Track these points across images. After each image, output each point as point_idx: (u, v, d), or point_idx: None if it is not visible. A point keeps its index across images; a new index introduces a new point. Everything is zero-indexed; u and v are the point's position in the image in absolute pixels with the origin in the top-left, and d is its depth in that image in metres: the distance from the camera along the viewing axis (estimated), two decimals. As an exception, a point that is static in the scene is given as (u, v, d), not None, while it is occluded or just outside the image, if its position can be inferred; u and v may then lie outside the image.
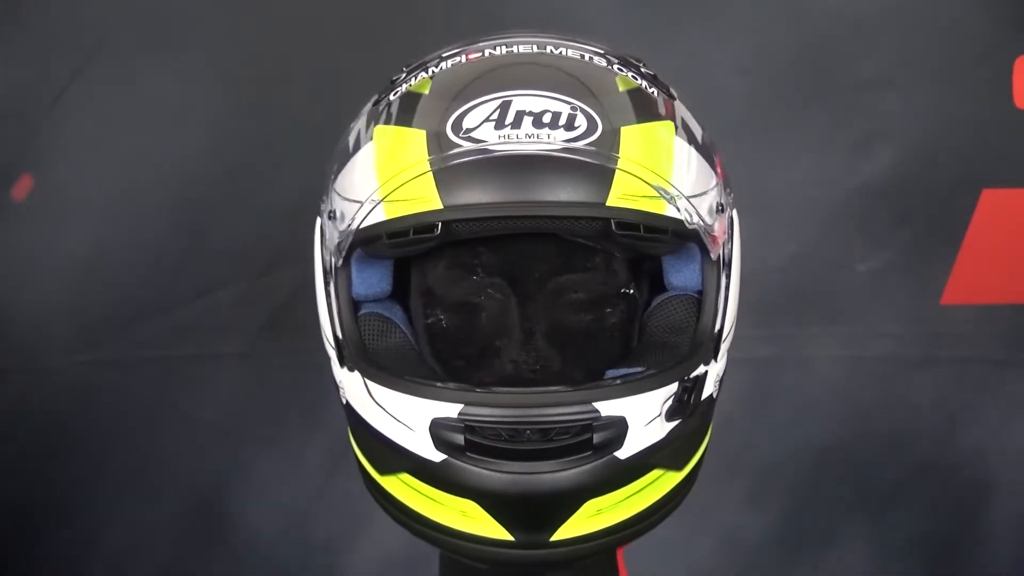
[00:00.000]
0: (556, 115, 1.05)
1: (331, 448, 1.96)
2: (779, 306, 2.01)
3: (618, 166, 1.04)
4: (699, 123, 1.17)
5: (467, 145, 1.03)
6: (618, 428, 1.04)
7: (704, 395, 1.10)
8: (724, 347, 1.14)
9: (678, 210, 1.06)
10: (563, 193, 1.02)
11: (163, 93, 1.85)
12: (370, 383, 1.08)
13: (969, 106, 1.97)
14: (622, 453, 1.05)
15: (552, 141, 1.03)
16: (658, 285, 1.20)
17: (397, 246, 1.06)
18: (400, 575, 2.05)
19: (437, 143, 1.05)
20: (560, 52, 1.13)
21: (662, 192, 1.06)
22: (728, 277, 1.13)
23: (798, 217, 1.99)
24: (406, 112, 1.09)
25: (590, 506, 1.06)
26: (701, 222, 1.08)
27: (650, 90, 1.13)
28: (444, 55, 1.13)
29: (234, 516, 2.02)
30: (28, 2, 1.83)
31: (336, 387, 1.17)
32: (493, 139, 1.03)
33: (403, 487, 1.11)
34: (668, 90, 1.16)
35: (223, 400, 1.98)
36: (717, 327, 1.12)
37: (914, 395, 2.07)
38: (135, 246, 1.90)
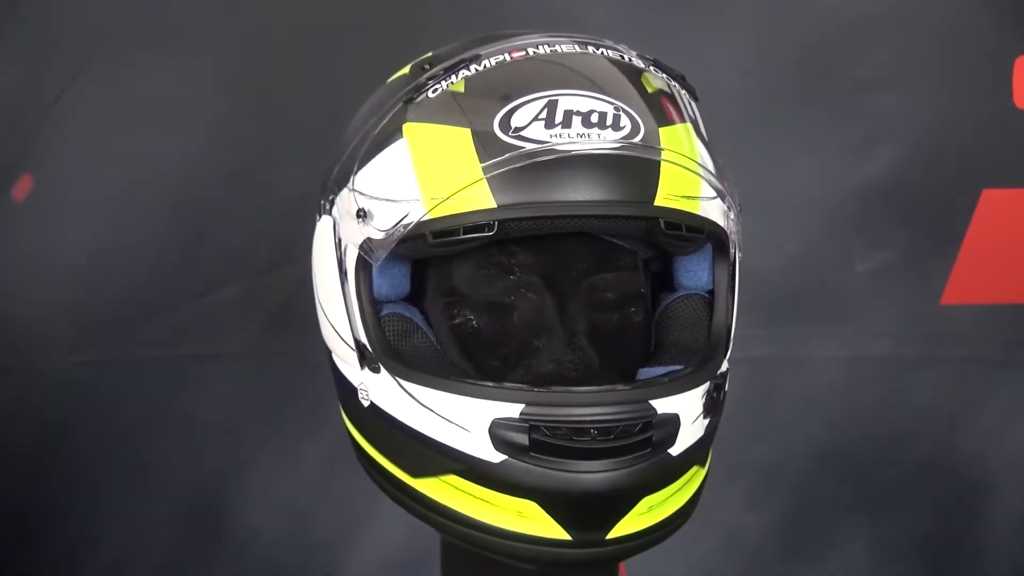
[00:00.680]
0: (603, 115, 1.05)
1: (331, 448, 1.96)
2: (779, 306, 2.01)
3: (685, 167, 1.07)
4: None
5: (529, 145, 1.03)
6: (672, 426, 1.06)
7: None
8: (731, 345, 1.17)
9: (728, 208, 1.10)
10: (619, 192, 1.04)
11: (163, 93, 1.85)
12: (409, 384, 1.07)
13: (969, 106, 1.97)
14: (674, 450, 1.07)
15: (603, 140, 1.04)
16: (661, 285, 1.22)
17: (442, 245, 1.05)
18: (400, 575, 2.05)
19: (486, 142, 1.04)
20: (600, 52, 1.12)
21: (719, 191, 1.10)
22: (736, 276, 1.16)
23: (798, 217, 1.99)
24: (442, 110, 1.07)
25: (643, 503, 1.07)
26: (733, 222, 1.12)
27: (681, 91, 1.15)
28: (482, 53, 1.10)
29: (234, 516, 2.01)
30: (28, 2, 1.83)
31: (347, 389, 1.14)
32: (545, 138, 1.03)
33: (446, 489, 1.09)
34: (694, 92, 1.17)
35: (223, 400, 1.98)
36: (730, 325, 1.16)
37: (914, 395, 2.07)
38: (135, 246, 1.90)
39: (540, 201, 1.03)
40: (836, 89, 1.96)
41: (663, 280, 1.23)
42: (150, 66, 1.85)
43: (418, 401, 1.07)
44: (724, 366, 1.13)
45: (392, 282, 1.13)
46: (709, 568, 2.11)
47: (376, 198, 1.07)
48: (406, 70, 1.17)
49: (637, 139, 1.05)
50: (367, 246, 1.07)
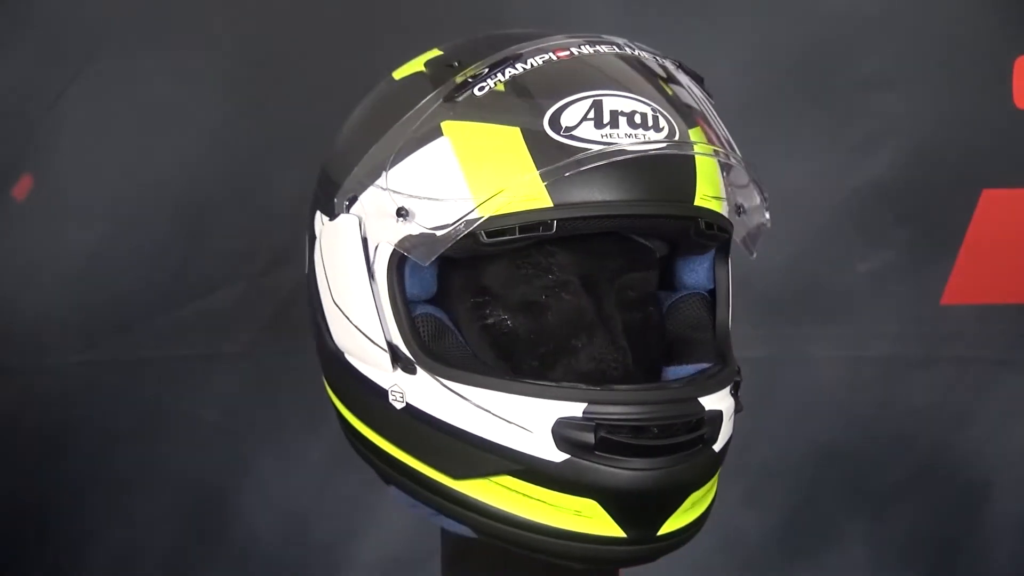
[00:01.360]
0: (644, 115, 1.06)
1: (331, 448, 1.96)
2: (779, 306, 2.02)
3: (738, 164, 1.11)
4: None
5: (583, 144, 1.03)
6: (718, 422, 1.09)
7: None
8: None
9: (766, 210, 1.14)
10: (668, 192, 1.07)
11: (163, 93, 1.85)
12: (458, 385, 1.06)
13: (969, 106, 1.97)
14: (716, 446, 1.09)
15: (649, 140, 1.05)
16: (660, 284, 1.24)
17: (494, 244, 1.05)
18: (400, 575, 2.05)
19: (538, 141, 1.04)
20: (635, 53, 1.13)
21: (760, 192, 1.14)
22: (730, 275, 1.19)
23: (798, 217, 1.99)
24: (485, 109, 1.06)
25: (689, 500, 1.09)
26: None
27: (705, 95, 1.16)
28: (522, 52, 1.09)
29: (234, 516, 2.01)
30: (28, 2, 1.83)
31: (371, 392, 1.12)
32: (596, 138, 1.04)
33: (496, 490, 1.08)
34: (711, 95, 1.18)
35: (223, 400, 1.98)
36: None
37: (914, 395, 2.07)
38: (135, 246, 1.90)
39: (598, 200, 1.04)
40: (836, 89, 1.96)
41: (661, 279, 1.24)
42: (150, 66, 1.85)
43: (470, 402, 1.06)
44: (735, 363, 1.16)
45: (423, 282, 1.12)
46: (709, 568, 2.10)
47: (417, 196, 1.06)
48: (419, 67, 1.16)
49: (676, 139, 1.07)
50: (409, 244, 1.06)
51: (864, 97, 1.96)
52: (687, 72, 1.15)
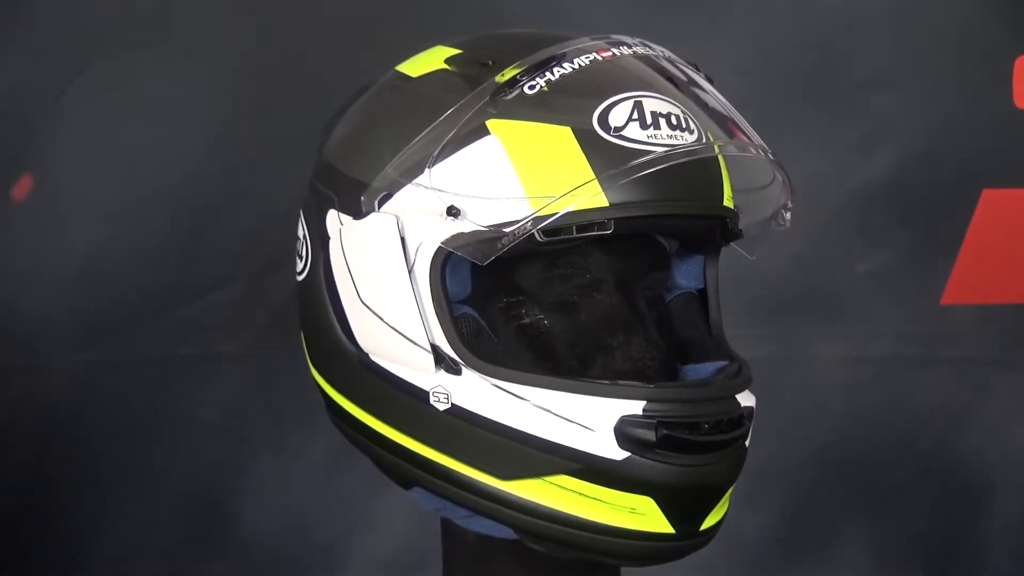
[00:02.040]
0: (678, 117, 1.07)
1: (331, 448, 1.96)
2: (779, 306, 2.02)
3: (782, 165, 1.15)
4: None
5: (632, 144, 1.04)
6: (753, 419, 1.11)
7: None
8: None
9: (788, 209, 1.20)
10: (708, 192, 1.10)
11: (163, 93, 1.85)
12: (513, 385, 1.05)
13: (969, 106, 1.97)
14: (748, 442, 1.12)
15: (685, 142, 1.06)
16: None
17: (550, 243, 1.05)
18: (400, 575, 2.05)
19: (590, 141, 1.04)
20: (659, 55, 1.14)
21: (791, 189, 1.19)
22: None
23: (798, 217, 1.99)
24: (532, 108, 1.06)
25: (726, 495, 1.11)
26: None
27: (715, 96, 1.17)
28: (566, 50, 1.09)
29: (234, 516, 2.01)
30: (28, 2, 1.83)
31: (410, 395, 1.09)
32: (643, 138, 1.05)
33: (549, 490, 1.07)
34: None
35: (223, 400, 1.98)
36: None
37: (914, 395, 2.07)
38: (135, 246, 1.90)
39: (648, 200, 1.05)
40: (836, 89, 1.96)
41: None
42: (150, 66, 1.85)
43: (529, 402, 1.05)
44: None
45: (461, 282, 1.11)
46: (709, 568, 2.10)
47: (467, 195, 1.05)
48: (435, 64, 1.14)
49: (704, 142, 1.08)
50: (461, 243, 1.05)
51: (864, 97, 1.96)
52: (701, 74, 1.16)
